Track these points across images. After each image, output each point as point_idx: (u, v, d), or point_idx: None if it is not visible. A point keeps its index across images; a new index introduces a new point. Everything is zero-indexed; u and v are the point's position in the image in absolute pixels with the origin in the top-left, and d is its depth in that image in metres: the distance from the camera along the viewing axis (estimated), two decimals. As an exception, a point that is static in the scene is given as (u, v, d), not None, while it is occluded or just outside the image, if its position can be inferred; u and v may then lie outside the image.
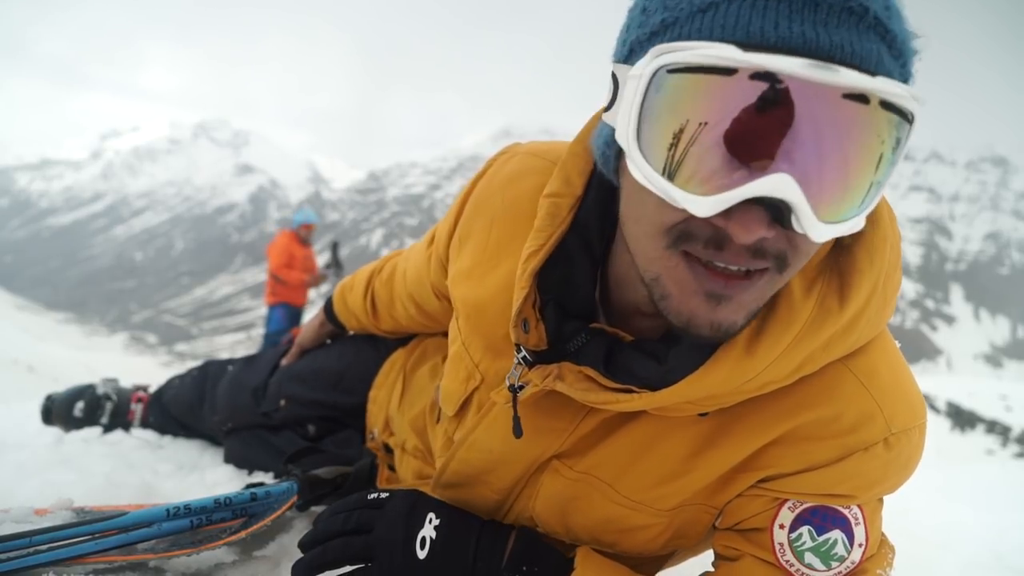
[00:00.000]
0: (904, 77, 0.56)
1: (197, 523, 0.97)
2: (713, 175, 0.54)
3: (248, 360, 1.69)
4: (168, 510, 0.96)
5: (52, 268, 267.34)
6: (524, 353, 0.78)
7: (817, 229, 0.55)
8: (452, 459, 0.92)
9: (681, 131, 0.54)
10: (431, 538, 0.75)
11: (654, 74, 0.56)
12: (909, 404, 0.74)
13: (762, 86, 0.52)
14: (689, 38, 0.55)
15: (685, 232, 0.58)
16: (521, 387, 0.78)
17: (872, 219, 0.69)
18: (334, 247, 8.31)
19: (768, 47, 0.52)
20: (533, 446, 0.83)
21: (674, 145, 0.55)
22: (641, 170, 0.57)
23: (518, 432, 0.80)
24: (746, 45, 0.52)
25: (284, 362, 1.58)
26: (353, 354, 1.49)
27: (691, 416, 0.76)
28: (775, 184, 0.52)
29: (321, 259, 8.28)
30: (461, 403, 0.93)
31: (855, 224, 0.57)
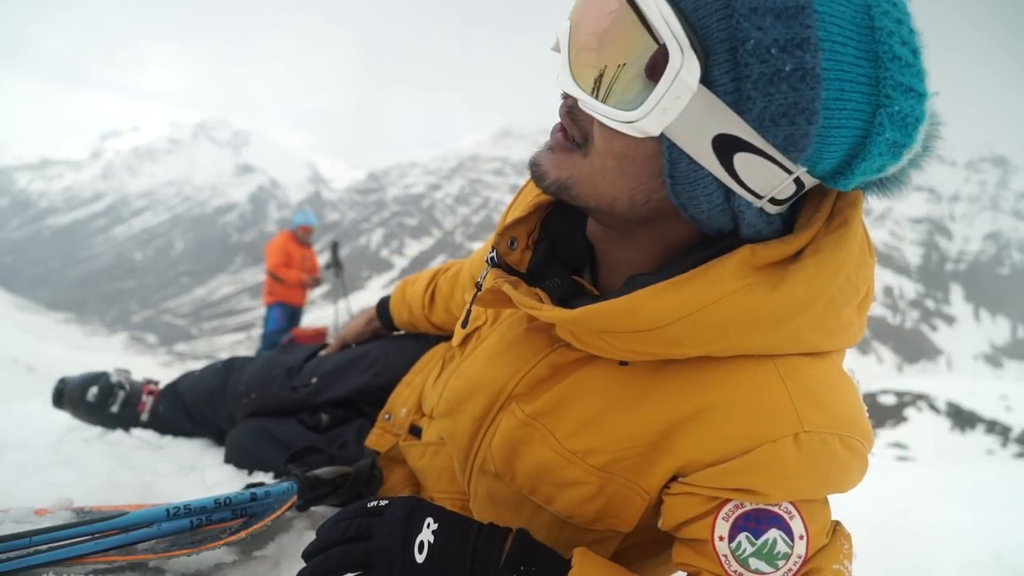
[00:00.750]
0: (723, 41, 0.60)
1: (197, 523, 0.97)
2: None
3: (286, 346, 1.74)
4: (168, 510, 0.96)
5: (52, 268, 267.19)
6: (494, 254, 0.88)
7: (564, 75, 0.68)
8: (446, 387, 1.02)
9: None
10: (429, 542, 0.77)
11: None
12: (833, 412, 0.74)
13: None
14: None
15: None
16: (482, 288, 0.89)
17: (836, 242, 0.72)
18: (334, 247, 8.30)
19: None
20: (497, 378, 0.92)
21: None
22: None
23: (464, 323, 0.94)
24: None
25: (324, 353, 1.63)
26: (395, 344, 1.53)
27: (621, 370, 0.81)
28: (560, 27, 0.69)
29: (321, 259, 8.25)
30: (463, 338, 1.04)
31: (591, 104, 0.67)
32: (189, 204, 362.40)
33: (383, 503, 0.83)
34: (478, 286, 0.89)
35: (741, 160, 0.65)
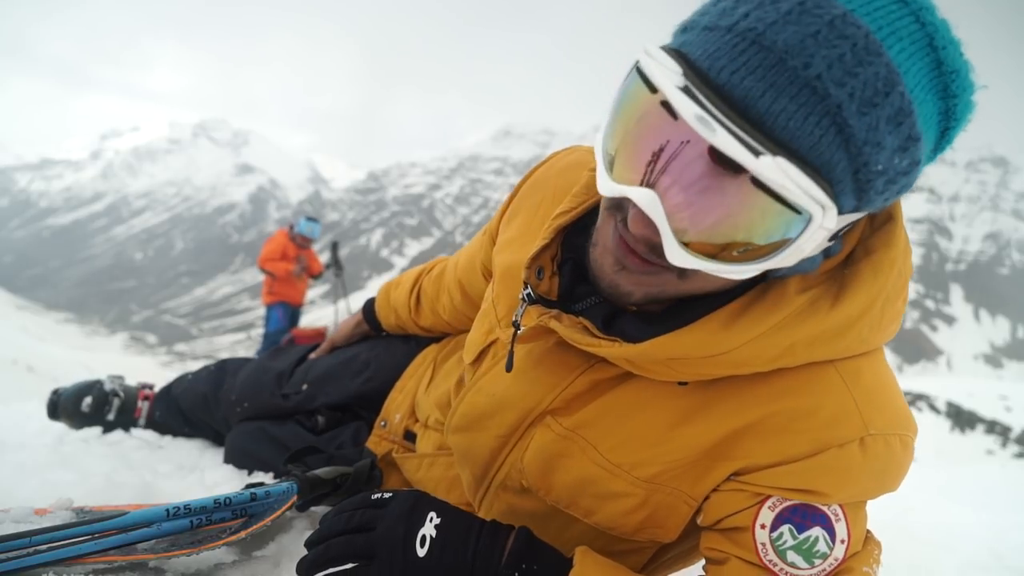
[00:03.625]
0: (848, 172, 0.57)
1: (197, 523, 0.98)
2: (623, 169, 0.65)
3: (276, 350, 1.72)
4: (168, 510, 0.96)
5: (52, 268, 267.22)
6: (528, 290, 0.85)
7: (673, 249, 0.62)
8: (462, 402, 0.99)
9: (622, 124, 0.65)
10: (431, 536, 0.77)
11: (634, 65, 0.62)
12: (891, 410, 0.76)
13: (663, 114, 0.59)
14: (680, 47, 0.61)
15: (617, 204, 0.70)
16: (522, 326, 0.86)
17: (886, 242, 0.73)
18: (334, 247, 8.31)
19: (708, 83, 0.57)
20: (529, 395, 0.89)
21: (617, 134, 0.65)
22: (601, 147, 0.68)
23: (509, 366, 0.88)
24: (696, 74, 0.57)
25: (313, 356, 1.60)
26: (384, 346, 1.52)
27: (673, 385, 0.80)
28: (639, 195, 0.62)
29: (321, 259, 8.24)
30: (479, 352, 1.01)
31: (722, 269, 0.63)
32: (189, 204, 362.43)
33: (387, 495, 0.83)
34: (516, 325, 0.86)
35: (846, 228, 0.66)
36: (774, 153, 0.55)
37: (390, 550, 0.77)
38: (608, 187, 0.66)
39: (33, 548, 0.85)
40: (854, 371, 0.75)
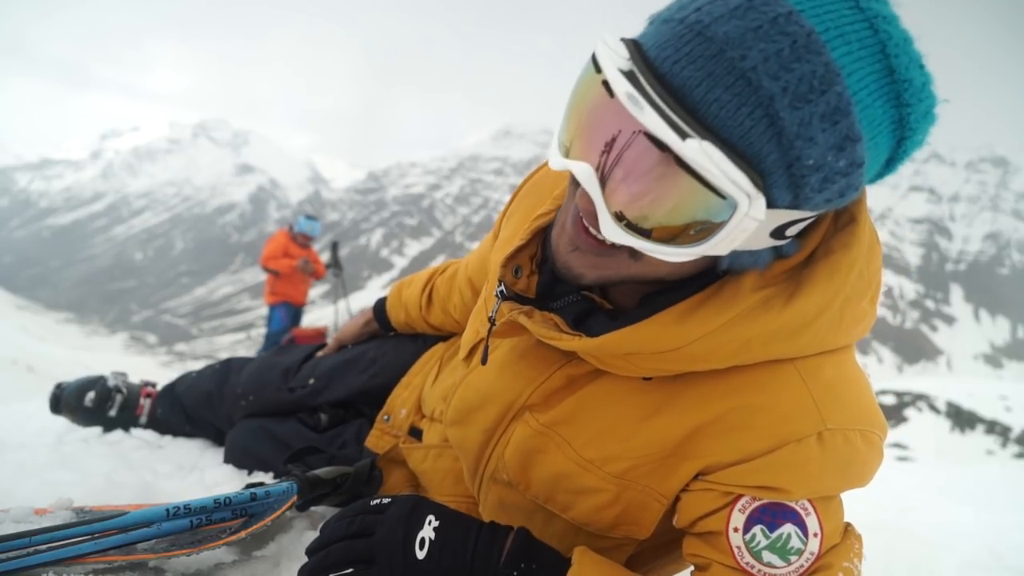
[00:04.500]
0: (780, 165, 0.59)
1: (197, 523, 0.98)
2: (572, 147, 0.68)
3: (282, 347, 1.74)
4: (168, 510, 0.96)
5: (52, 268, 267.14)
6: (502, 287, 0.88)
7: (606, 222, 0.65)
8: (454, 396, 1.03)
9: (573, 105, 0.68)
10: (430, 539, 0.78)
11: (592, 55, 0.65)
12: (853, 407, 0.76)
13: (604, 94, 0.62)
14: (639, 38, 0.65)
15: (576, 183, 0.71)
16: (496, 322, 0.89)
17: (845, 243, 0.74)
18: (334, 247, 8.31)
19: (652, 70, 0.60)
20: (510, 389, 0.93)
21: (569, 115, 0.69)
22: (557, 127, 0.70)
23: (484, 359, 0.93)
24: (643, 61, 0.60)
25: (320, 354, 1.62)
26: (392, 344, 1.53)
27: (639, 380, 0.82)
28: (579, 168, 0.65)
29: (321, 259, 8.24)
30: (470, 348, 1.05)
31: (656, 249, 0.65)
32: (189, 204, 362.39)
33: (385, 501, 0.83)
34: (491, 320, 0.90)
35: (792, 228, 0.67)
36: (702, 137, 0.57)
37: (389, 553, 0.78)
38: (556, 162, 0.69)
39: (33, 548, 0.85)
40: (814, 368, 0.76)
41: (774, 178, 0.60)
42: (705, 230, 0.62)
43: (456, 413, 1.01)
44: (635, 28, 0.65)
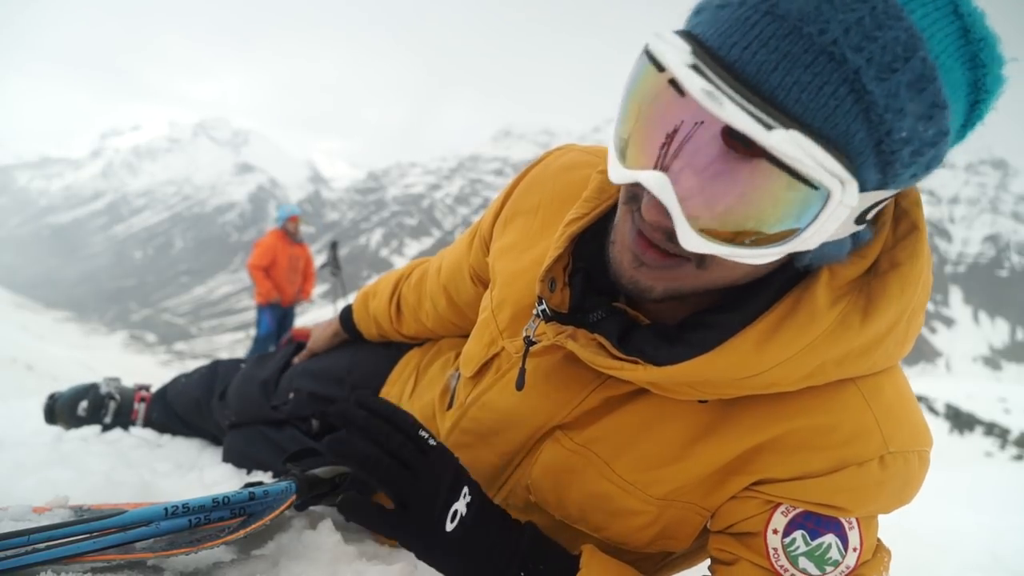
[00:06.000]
0: (869, 144, 0.55)
1: (195, 522, 0.98)
2: (635, 155, 0.62)
3: (260, 358, 1.71)
4: (166, 509, 0.96)
5: (51, 266, 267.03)
6: (544, 306, 0.82)
7: (687, 235, 0.59)
8: (464, 417, 0.95)
9: (632, 109, 0.62)
10: (461, 514, 0.76)
11: (644, 51, 0.60)
12: (911, 427, 0.75)
13: (672, 94, 0.57)
14: (692, 29, 0.59)
15: (633, 195, 0.66)
16: (535, 342, 0.83)
17: (912, 253, 0.70)
18: (333, 247, 8.28)
19: (719, 60, 0.55)
20: (539, 412, 0.86)
21: (627, 119, 0.63)
22: (613, 136, 0.65)
23: (520, 384, 0.85)
24: (706, 52, 0.55)
25: (295, 361, 1.59)
26: (365, 352, 1.49)
27: (692, 402, 0.77)
28: (650, 178, 0.59)
29: (320, 259, 8.22)
30: (480, 366, 0.97)
31: (741, 254, 0.60)
32: (189, 203, 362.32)
33: (432, 442, 0.79)
34: (528, 341, 0.84)
35: (872, 212, 0.63)
36: (787, 126, 0.53)
37: (424, 513, 0.75)
38: (619, 174, 0.63)
39: (31, 546, 0.85)
40: (875, 388, 0.74)
41: (863, 158, 0.55)
42: (793, 227, 0.58)
43: (467, 435, 0.94)
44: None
